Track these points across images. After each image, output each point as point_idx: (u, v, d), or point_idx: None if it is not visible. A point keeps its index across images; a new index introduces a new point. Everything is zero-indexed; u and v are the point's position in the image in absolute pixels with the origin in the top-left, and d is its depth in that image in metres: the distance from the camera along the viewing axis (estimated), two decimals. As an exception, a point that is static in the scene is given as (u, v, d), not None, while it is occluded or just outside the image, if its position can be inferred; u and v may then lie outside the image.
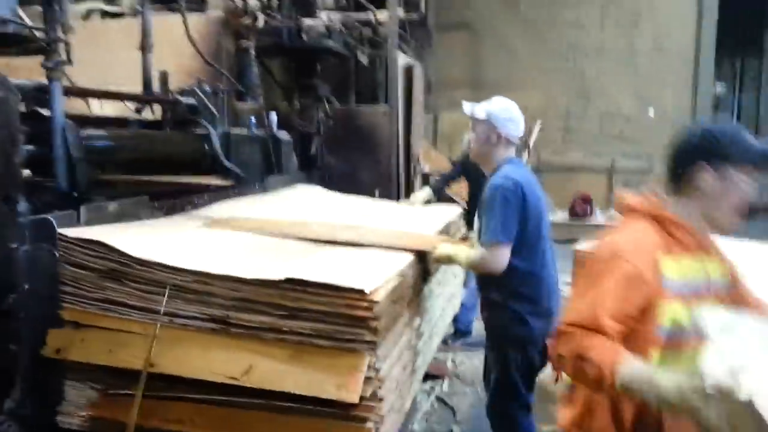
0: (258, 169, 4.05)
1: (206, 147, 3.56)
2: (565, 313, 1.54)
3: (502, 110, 2.60)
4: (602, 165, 10.33)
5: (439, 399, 3.98)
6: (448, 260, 2.65)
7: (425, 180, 7.36)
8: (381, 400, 1.92)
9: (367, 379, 1.88)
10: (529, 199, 2.46)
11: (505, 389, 2.65)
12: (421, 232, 3.03)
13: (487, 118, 2.59)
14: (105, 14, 6.61)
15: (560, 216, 8.46)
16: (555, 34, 10.39)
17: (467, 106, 2.65)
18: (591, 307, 1.45)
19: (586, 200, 8.54)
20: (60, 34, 2.53)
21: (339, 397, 1.82)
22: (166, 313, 2.00)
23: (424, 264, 2.77)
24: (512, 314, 2.55)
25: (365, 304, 1.88)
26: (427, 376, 3.94)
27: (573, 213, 8.50)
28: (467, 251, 2.61)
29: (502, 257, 2.43)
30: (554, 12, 10.39)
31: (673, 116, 10.01)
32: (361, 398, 1.84)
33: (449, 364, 4.52)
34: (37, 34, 2.57)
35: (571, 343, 1.45)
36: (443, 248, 2.66)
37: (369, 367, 1.89)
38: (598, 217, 8.68)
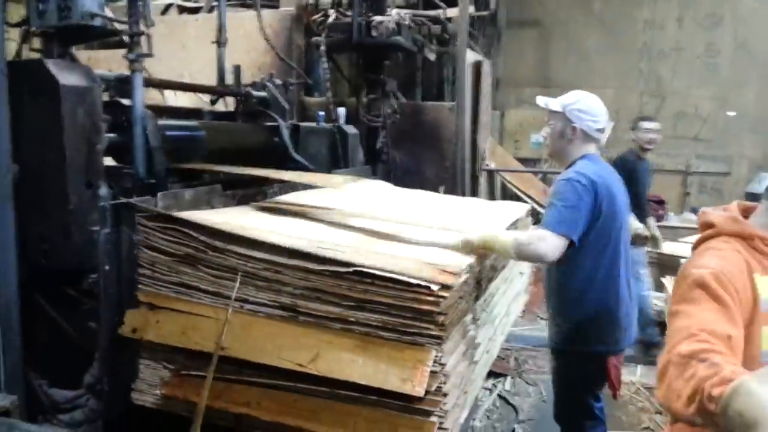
0: (325, 162, 4.10)
1: (276, 139, 3.63)
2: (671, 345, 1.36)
3: (578, 101, 2.44)
4: (676, 167, 9.96)
5: (501, 397, 3.93)
6: (484, 246, 2.31)
7: (491, 177, 7.28)
8: (445, 395, 1.91)
9: (433, 374, 1.87)
10: (601, 198, 2.30)
11: (567, 399, 2.59)
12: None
13: (562, 110, 2.45)
14: (182, 9, 6.83)
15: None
16: (629, 33, 10.07)
17: (541, 100, 2.54)
18: (699, 337, 1.28)
19: (659, 202, 8.25)
20: (142, 27, 2.62)
21: (404, 389, 1.82)
22: (237, 299, 2.05)
23: (492, 261, 2.72)
24: (573, 323, 2.45)
25: (432, 298, 1.87)
26: (490, 374, 3.90)
27: (645, 215, 8.25)
28: (506, 237, 2.33)
29: (552, 246, 2.22)
30: (629, 10, 10.07)
31: (754, 118, 9.57)
32: (426, 392, 1.83)
33: (512, 362, 4.45)
34: (120, 27, 2.68)
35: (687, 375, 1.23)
36: (473, 238, 2.31)
37: (434, 361, 1.88)
38: (672, 220, 8.38)
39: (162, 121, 2.78)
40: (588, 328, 2.42)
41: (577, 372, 2.51)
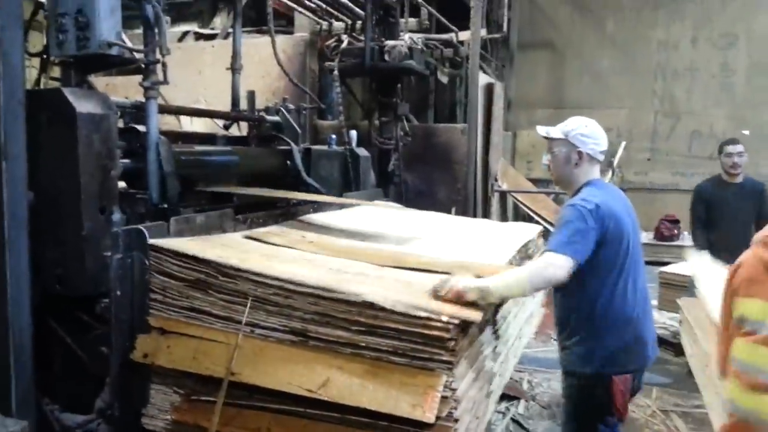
0: (337, 185, 4.12)
1: (288, 162, 3.66)
2: None
3: (580, 126, 2.46)
4: (690, 186, 9.89)
5: (515, 421, 3.89)
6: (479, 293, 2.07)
7: (503, 198, 7.28)
8: (456, 420, 1.89)
9: (443, 399, 1.85)
10: (607, 223, 2.31)
11: (575, 424, 2.56)
12: (487, 261, 2.80)
13: (564, 136, 2.46)
14: (199, 36, 6.95)
15: (645, 237, 8.13)
16: (643, 53, 10.09)
17: (542, 129, 2.54)
18: None
19: (673, 222, 8.17)
20: (158, 55, 2.67)
21: (414, 415, 1.80)
22: (248, 324, 2.05)
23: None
24: (579, 345, 2.45)
25: (441, 324, 1.87)
26: (503, 397, 3.86)
27: (659, 234, 8.16)
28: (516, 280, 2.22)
29: (559, 267, 2.19)
30: (642, 31, 10.10)
31: (770, 137, 9.51)
32: (437, 418, 1.81)
33: (525, 385, 4.40)
34: (137, 55, 2.73)
35: None
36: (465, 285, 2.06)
37: (445, 386, 1.87)
38: (686, 239, 8.29)
39: (176, 147, 2.83)
40: (593, 350, 2.41)
41: (583, 395, 2.48)
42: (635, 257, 2.47)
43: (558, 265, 2.20)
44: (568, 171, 2.48)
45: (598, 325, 2.40)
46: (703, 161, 9.92)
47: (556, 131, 2.49)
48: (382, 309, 1.91)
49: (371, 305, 1.92)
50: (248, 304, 2.05)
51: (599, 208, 2.30)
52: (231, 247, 2.39)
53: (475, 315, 1.99)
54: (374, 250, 2.73)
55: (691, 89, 10.03)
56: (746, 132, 9.68)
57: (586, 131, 2.45)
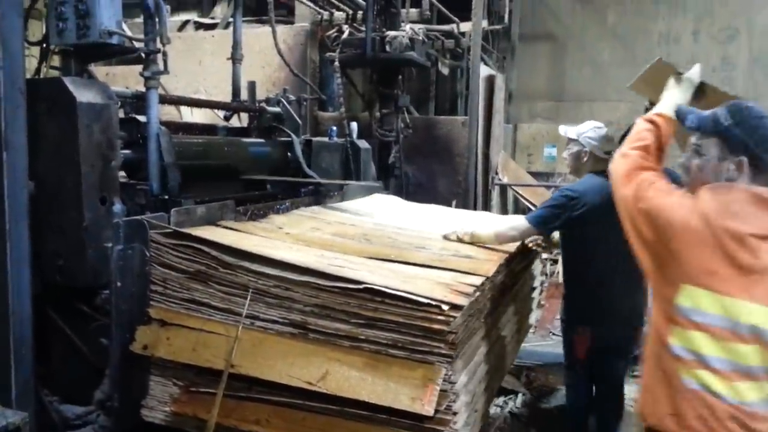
0: (337, 177, 4.11)
1: (289, 154, 3.66)
2: None
3: (590, 130, 2.95)
4: (691, 181, 9.91)
5: (513, 414, 3.90)
6: (475, 240, 2.91)
7: (503, 191, 7.27)
8: (455, 413, 1.89)
9: (442, 392, 1.86)
10: (582, 207, 2.74)
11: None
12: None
13: (577, 137, 2.96)
14: (199, 26, 6.91)
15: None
16: (644, 46, 10.04)
17: (562, 129, 3.07)
18: None
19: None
20: (158, 45, 2.65)
21: (413, 409, 1.81)
22: (248, 316, 2.05)
23: (506, 278, 2.72)
24: (565, 301, 3.05)
25: (442, 317, 1.87)
26: (502, 390, 3.87)
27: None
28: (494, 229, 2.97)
29: (519, 232, 2.88)
30: (644, 24, 10.06)
31: (771, 131, 9.50)
32: (436, 411, 1.82)
33: (524, 379, 4.41)
34: (137, 45, 2.72)
35: None
36: (458, 232, 2.98)
37: (444, 380, 1.87)
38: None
39: (177, 137, 2.82)
40: (572, 302, 3.02)
41: (563, 339, 3.07)
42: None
43: (520, 231, 2.87)
44: (578, 165, 3.01)
45: (576, 284, 2.99)
46: (704, 155, 9.92)
47: (572, 132, 2.99)
48: (382, 298, 1.91)
49: (372, 293, 1.92)
50: (248, 296, 2.06)
51: (578, 195, 2.77)
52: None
53: (462, 299, 1.98)
54: (364, 242, 2.73)
55: (692, 83, 10.00)
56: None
57: (593, 134, 2.94)
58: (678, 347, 1.78)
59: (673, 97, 2.19)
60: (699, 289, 1.75)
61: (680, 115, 1.97)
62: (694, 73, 2.30)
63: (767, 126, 1.78)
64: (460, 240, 2.91)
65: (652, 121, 2.09)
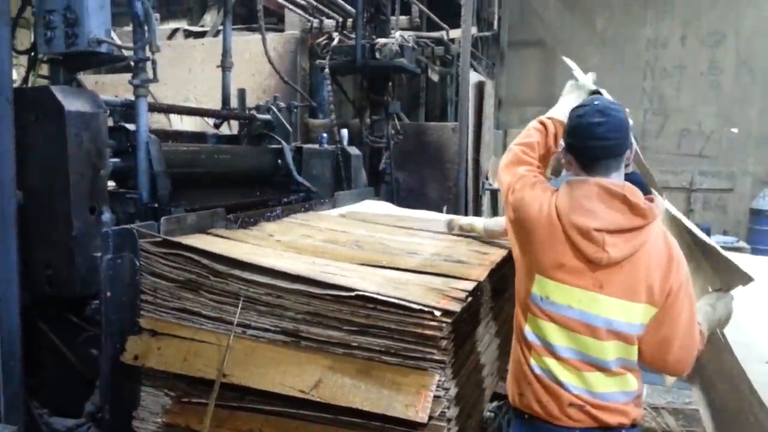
0: (328, 183, 4.11)
1: (279, 161, 3.65)
2: None
3: None
4: (680, 183, 9.99)
5: (507, 420, 3.88)
6: (471, 229, 3.08)
7: (494, 196, 7.29)
8: (449, 420, 1.89)
9: (436, 398, 1.85)
10: None
11: None
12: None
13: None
14: (189, 34, 6.90)
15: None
16: (633, 51, 10.14)
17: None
18: None
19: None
20: (148, 53, 2.64)
21: (407, 415, 1.80)
22: (239, 324, 2.04)
23: (498, 282, 2.72)
24: None
25: (435, 323, 1.86)
26: (495, 396, 3.86)
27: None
28: (483, 221, 3.15)
29: (503, 229, 2.86)
30: (632, 29, 10.15)
31: (757, 135, 9.59)
32: (430, 417, 1.81)
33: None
34: (126, 53, 2.71)
35: None
36: (462, 220, 3.18)
37: (438, 386, 1.86)
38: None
39: (166, 145, 2.81)
40: None
41: None
42: None
43: (503, 228, 2.87)
44: (558, 166, 2.93)
45: None
46: (692, 159, 9.99)
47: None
48: (374, 305, 1.90)
49: (364, 299, 1.91)
50: (240, 305, 2.04)
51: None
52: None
53: (454, 305, 1.98)
54: (355, 249, 2.72)
55: (680, 87, 10.08)
56: (735, 130, 9.76)
57: None
58: (531, 333, 1.90)
59: (567, 102, 2.26)
60: (550, 280, 1.85)
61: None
62: (588, 81, 2.39)
63: (583, 124, 1.86)
64: (461, 228, 3.12)
65: (542, 123, 2.22)
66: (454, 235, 3.16)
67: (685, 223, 2.46)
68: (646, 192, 2.24)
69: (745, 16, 9.66)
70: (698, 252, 2.36)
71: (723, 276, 2.23)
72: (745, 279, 2.13)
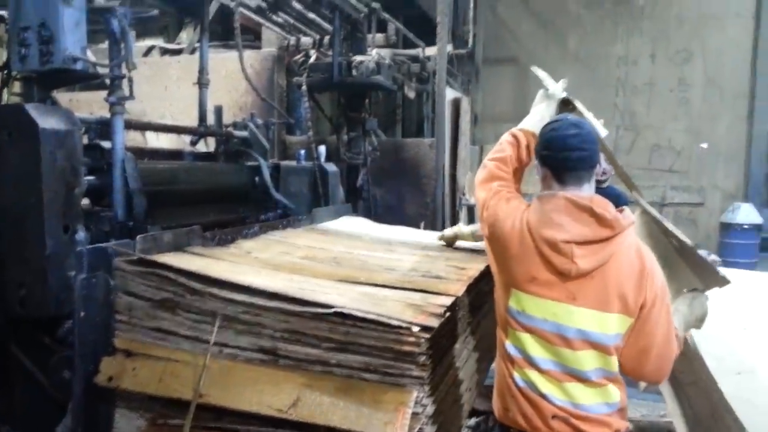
0: (306, 200, 4.11)
1: (257, 178, 3.64)
2: None
3: None
4: (652, 198, 10.16)
5: (485, 436, 3.89)
6: (455, 238, 3.18)
7: (470, 212, 7.34)
8: (428, 437, 1.89)
9: (414, 415, 1.85)
10: None
11: None
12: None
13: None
14: (165, 51, 6.88)
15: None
16: (604, 68, 10.33)
17: None
18: None
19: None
20: (124, 71, 2.63)
21: (386, 433, 1.80)
22: (216, 343, 2.02)
23: (475, 298, 2.73)
24: None
25: (413, 339, 1.87)
26: (473, 412, 3.86)
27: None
28: (471, 227, 3.21)
29: None
30: (604, 47, 10.35)
31: (725, 150, 9.81)
32: (408, 435, 1.81)
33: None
34: (102, 70, 2.69)
35: None
36: (446, 232, 3.27)
37: (416, 402, 1.87)
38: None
39: (142, 163, 2.79)
40: None
41: None
42: None
43: None
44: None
45: None
46: (663, 174, 10.17)
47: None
48: (353, 321, 1.90)
49: (342, 316, 1.91)
50: (216, 323, 2.03)
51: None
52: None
53: (432, 320, 1.98)
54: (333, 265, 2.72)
55: (651, 104, 10.29)
56: (704, 145, 9.97)
57: None
58: (512, 347, 1.94)
59: (539, 112, 2.32)
60: (524, 294, 1.89)
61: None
62: (558, 89, 2.43)
63: (559, 137, 1.90)
64: (448, 237, 3.24)
65: (514, 135, 2.27)
66: (444, 244, 3.30)
67: (664, 224, 2.49)
68: (623, 204, 2.27)
69: (710, 34, 9.91)
70: (674, 256, 2.40)
71: (701, 276, 2.27)
72: (722, 281, 2.17)
